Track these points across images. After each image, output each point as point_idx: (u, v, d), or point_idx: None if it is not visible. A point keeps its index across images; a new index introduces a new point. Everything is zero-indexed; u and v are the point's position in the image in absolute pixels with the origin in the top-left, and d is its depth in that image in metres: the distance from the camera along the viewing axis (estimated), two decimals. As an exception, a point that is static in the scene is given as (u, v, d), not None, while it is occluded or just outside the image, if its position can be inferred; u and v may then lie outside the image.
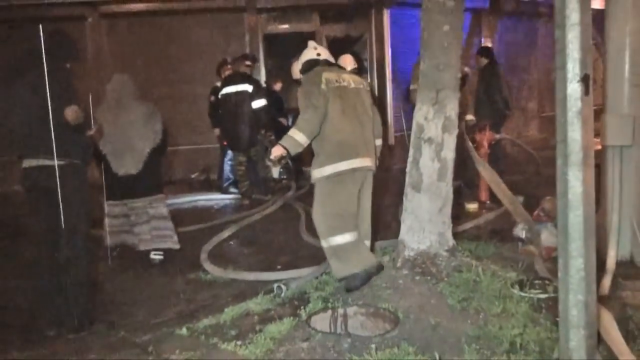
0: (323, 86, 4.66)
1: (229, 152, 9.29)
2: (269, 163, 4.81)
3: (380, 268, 4.65)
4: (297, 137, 4.58)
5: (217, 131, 9.53)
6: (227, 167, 9.61)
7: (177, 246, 6.20)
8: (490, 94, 8.80)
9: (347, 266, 4.61)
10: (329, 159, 4.65)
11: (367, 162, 4.74)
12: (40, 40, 4.34)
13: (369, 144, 4.82)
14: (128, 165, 5.87)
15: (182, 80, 11.52)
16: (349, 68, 10.23)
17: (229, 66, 9.07)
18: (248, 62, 8.90)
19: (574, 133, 3.11)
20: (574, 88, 3.11)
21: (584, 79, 3.09)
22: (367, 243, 4.91)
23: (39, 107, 4.20)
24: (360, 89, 4.92)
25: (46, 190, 4.32)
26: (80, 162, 4.43)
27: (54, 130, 4.21)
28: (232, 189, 9.46)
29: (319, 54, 5.04)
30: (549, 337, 3.64)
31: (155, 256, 6.07)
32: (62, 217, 4.32)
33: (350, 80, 4.89)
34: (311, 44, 5.19)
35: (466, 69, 8.43)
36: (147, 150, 5.91)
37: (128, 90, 6.00)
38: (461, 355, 3.49)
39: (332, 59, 5.14)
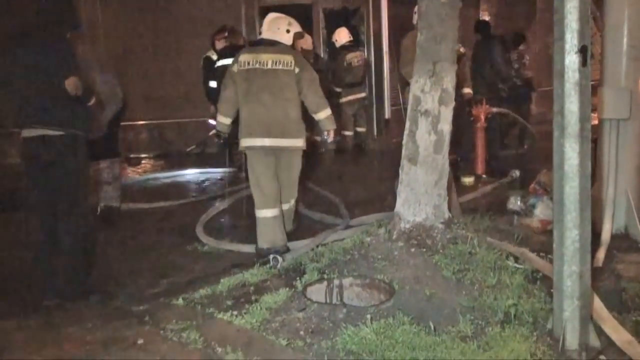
0: (234, 68, 5.22)
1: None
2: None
3: (285, 249, 5.09)
4: (219, 118, 5.51)
5: (212, 109, 9.46)
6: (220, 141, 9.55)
7: (117, 204, 6.87)
8: (480, 69, 8.78)
9: (260, 239, 5.20)
10: (239, 134, 5.24)
11: (265, 142, 5.13)
12: (41, 9, 4.31)
13: (274, 125, 5.11)
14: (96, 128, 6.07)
15: (176, 52, 11.41)
16: (344, 41, 10.32)
17: (218, 37, 9.00)
18: (225, 34, 8.87)
19: (571, 105, 3.11)
20: (571, 59, 3.10)
21: (582, 50, 3.08)
22: (285, 206, 5.43)
23: (40, 77, 4.18)
24: (277, 70, 5.12)
25: (46, 160, 4.31)
26: (81, 132, 4.41)
27: (54, 101, 4.20)
28: (228, 163, 9.43)
29: (260, 32, 5.42)
30: (542, 307, 3.68)
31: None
32: (61, 187, 4.33)
33: (269, 61, 5.13)
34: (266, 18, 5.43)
35: (462, 49, 8.38)
36: (110, 114, 6.26)
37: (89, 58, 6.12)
38: (456, 326, 3.52)
39: (273, 35, 5.28)
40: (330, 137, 5.57)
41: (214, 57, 8.84)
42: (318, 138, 10.30)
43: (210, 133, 5.07)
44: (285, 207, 5.48)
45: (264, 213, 5.19)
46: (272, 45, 5.24)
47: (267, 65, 5.12)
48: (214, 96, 8.99)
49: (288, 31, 5.30)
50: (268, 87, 5.10)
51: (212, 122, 9.22)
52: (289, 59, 5.14)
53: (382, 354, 3.24)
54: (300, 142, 5.23)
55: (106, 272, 4.94)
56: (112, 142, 6.67)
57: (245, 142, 5.20)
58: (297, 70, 5.12)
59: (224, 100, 5.38)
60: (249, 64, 5.15)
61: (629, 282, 4.13)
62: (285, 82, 5.13)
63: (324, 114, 5.33)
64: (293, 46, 5.43)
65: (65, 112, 4.26)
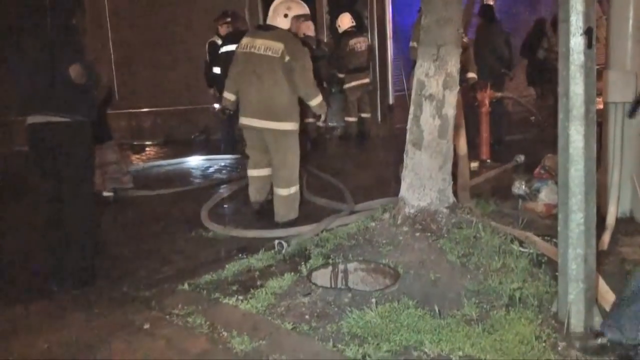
0: (238, 49, 5.65)
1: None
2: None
3: (259, 206, 5.94)
4: (224, 94, 5.90)
5: (212, 91, 9.52)
6: (224, 128, 9.58)
7: (130, 185, 7.16)
8: (482, 54, 8.73)
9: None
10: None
11: (254, 122, 5.53)
12: None
13: (261, 107, 5.46)
14: None
15: (179, 38, 11.40)
16: (347, 27, 10.28)
17: (220, 22, 9.00)
18: (228, 19, 8.87)
19: (577, 87, 3.09)
20: (576, 41, 3.08)
21: (587, 32, 3.06)
22: (280, 192, 5.63)
23: (45, 64, 4.18)
24: (267, 55, 5.40)
25: (51, 146, 4.32)
26: (85, 119, 4.41)
27: (59, 87, 4.20)
28: (232, 150, 9.44)
29: (265, 19, 5.74)
30: (547, 291, 3.68)
31: (108, 194, 6.91)
32: (66, 174, 4.34)
33: (262, 46, 5.44)
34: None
35: (465, 39, 8.33)
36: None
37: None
38: (461, 309, 3.53)
39: (273, 20, 5.57)
40: (321, 120, 6.04)
41: (219, 41, 8.83)
42: (321, 124, 10.30)
43: (217, 108, 5.38)
44: (283, 192, 5.63)
45: (249, 172, 5.92)
46: (269, 30, 5.53)
47: (260, 50, 5.43)
48: (217, 82, 9.03)
49: (286, 15, 5.49)
50: (258, 71, 5.42)
51: (217, 106, 9.23)
52: (279, 46, 5.37)
53: (387, 337, 3.24)
54: (286, 126, 5.47)
55: (112, 258, 4.97)
56: (100, 127, 6.71)
57: (240, 120, 5.68)
58: (287, 58, 5.34)
59: (229, 78, 5.80)
60: (247, 47, 5.53)
61: (634, 265, 4.12)
62: (273, 68, 5.38)
63: (314, 102, 5.60)
64: (293, 30, 5.57)
65: (69, 98, 4.26)
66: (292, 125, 5.50)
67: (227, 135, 9.58)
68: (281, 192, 5.63)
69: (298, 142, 5.67)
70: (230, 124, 9.19)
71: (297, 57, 5.35)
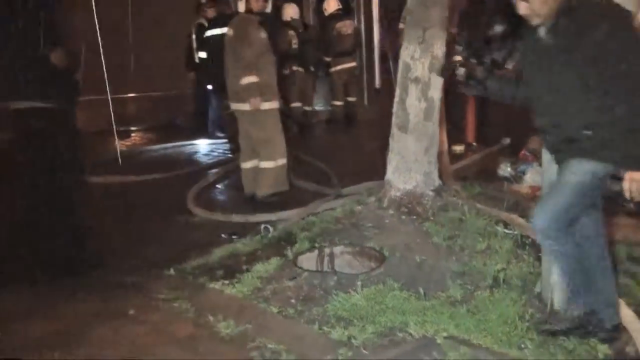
0: None
1: (213, 96, 9.15)
2: None
3: (252, 194, 5.91)
4: None
5: (191, 75, 9.50)
6: (212, 112, 9.51)
7: None
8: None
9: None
10: None
11: (232, 105, 5.88)
12: None
13: (232, 90, 5.78)
14: None
15: (165, 22, 11.26)
16: (333, 10, 10.21)
17: (208, 5, 8.94)
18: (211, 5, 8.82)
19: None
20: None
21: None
22: (264, 164, 5.79)
23: (27, 49, 4.14)
24: (230, 36, 5.76)
25: (36, 131, 4.29)
26: (68, 103, 4.38)
27: (42, 73, 4.16)
28: (219, 134, 9.39)
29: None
30: (531, 272, 3.71)
31: None
32: (51, 158, 4.31)
33: (227, 29, 5.84)
34: None
35: (453, 29, 8.28)
36: None
37: None
38: (445, 291, 3.56)
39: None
40: (252, 103, 5.64)
41: (207, 24, 8.75)
42: (308, 108, 10.26)
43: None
44: (264, 164, 5.78)
45: (241, 165, 6.04)
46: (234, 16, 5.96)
47: (226, 32, 5.86)
48: (201, 66, 8.95)
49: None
50: (229, 53, 5.76)
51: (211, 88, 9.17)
52: (230, 32, 5.78)
53: (372, 319, 3.26)
54: (248, 106, 5.60)
55: (97, 244, 4.93)
56: None
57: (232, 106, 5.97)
58: (233, 41, 5.66)
59: None
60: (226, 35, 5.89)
61: (617, 244, 4.16)
62: (230, 52, 5.73)
63: (240, 82, 5.60)
64: (256, 10, 5.78)
65: (52, 83, 4.23)
66: (254, 104, 5.61)
67: (215, 119, 9.51)
68: (264, 164, 5.75)
69: (278, 119, 5.82)
70: (218, 108, 9.13)
71: (239, 39, 5.61)
